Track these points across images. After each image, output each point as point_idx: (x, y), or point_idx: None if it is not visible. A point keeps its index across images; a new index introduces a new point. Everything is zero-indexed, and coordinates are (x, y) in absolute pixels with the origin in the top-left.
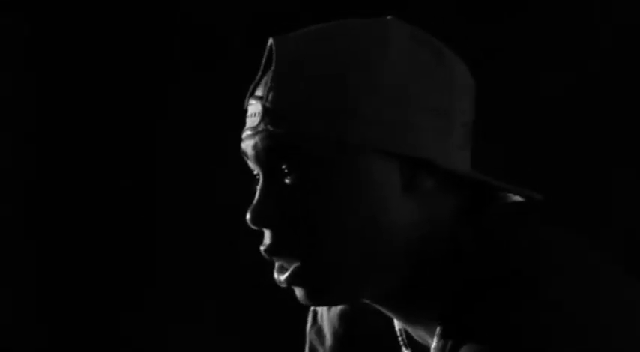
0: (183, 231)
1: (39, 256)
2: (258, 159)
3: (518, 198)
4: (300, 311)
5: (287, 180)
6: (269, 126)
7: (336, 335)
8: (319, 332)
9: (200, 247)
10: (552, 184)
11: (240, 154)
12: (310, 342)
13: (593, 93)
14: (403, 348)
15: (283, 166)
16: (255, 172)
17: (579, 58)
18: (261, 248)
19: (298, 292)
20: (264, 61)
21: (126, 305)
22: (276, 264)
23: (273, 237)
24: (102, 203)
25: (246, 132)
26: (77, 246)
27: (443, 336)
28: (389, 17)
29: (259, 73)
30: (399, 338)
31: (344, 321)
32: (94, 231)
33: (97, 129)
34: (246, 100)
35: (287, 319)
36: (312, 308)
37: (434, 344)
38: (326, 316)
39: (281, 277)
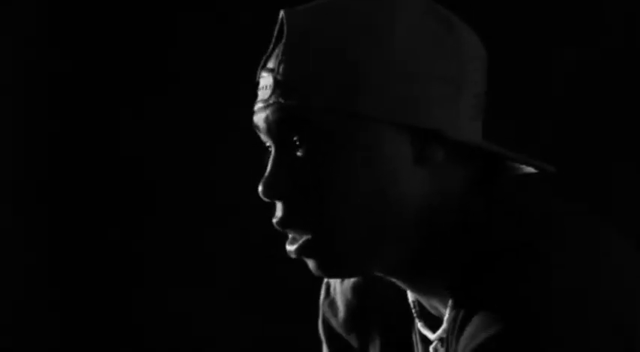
0: (182, 227)
1: (38, 255)
2: (269, 131)
3: (529, 170)
4: (307, 304)
5: (298, 153)
6: (280, 99)
7: (348, 307)
8: (332, 304)
9: (200, 245)
10: (556, 167)
11: (238, 146)
12: (323, 314)
13: (595, 78)
14: (416, 319)
15: (294, 138)
16: (267, 144)
17: (590, 36)
18: (274, 220)
19: (310, 264)
20: (275, 33)
21: (124, 306)
22: (289, 236)
23: (285, 209)
24: (101, 200)
25: (258, 105)
26: (76, 245)
27: (454, 307)
28: None
29: (271, 46)
30: (413, 310)
31: (356, 293)
32: (92, 228)
33: (86, 130)
34: (257, 73)
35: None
36: (325, 280)
37: (446, 315)
38: (339, 288)
39: (291, 248)
